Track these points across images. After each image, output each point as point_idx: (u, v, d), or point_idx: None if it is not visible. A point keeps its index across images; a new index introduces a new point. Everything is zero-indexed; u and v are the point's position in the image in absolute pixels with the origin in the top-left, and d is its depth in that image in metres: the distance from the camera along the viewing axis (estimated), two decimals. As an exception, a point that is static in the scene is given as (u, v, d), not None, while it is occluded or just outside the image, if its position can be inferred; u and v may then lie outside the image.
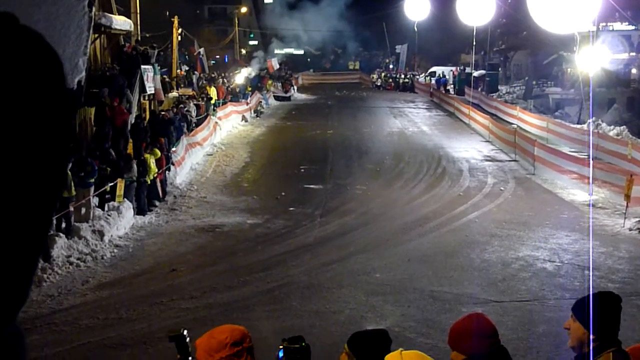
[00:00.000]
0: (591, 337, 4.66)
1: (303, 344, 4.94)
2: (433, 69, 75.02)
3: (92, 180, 20.35)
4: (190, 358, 4.63)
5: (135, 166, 22.35)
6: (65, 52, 24.35)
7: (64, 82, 1.00)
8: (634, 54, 52.63)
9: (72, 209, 19.18)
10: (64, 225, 18.77)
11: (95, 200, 20.66)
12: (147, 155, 23.19)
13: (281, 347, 4.92)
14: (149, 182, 22.90)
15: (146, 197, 22.82)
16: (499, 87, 62.55)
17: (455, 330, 4.88)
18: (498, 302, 14.34)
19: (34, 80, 0.94)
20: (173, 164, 26.48)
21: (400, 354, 4.35)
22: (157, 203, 23.44)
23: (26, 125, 0.92)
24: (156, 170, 23.58)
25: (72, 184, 19.20)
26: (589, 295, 4.74)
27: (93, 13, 25.55)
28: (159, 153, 24.20)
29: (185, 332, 4.61)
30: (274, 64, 66.08)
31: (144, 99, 31.91)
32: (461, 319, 5.01)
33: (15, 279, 0.95)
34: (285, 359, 4.84)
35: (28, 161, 0.93)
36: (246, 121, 46.28)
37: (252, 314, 13.84)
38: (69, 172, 19.62)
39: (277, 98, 60.94)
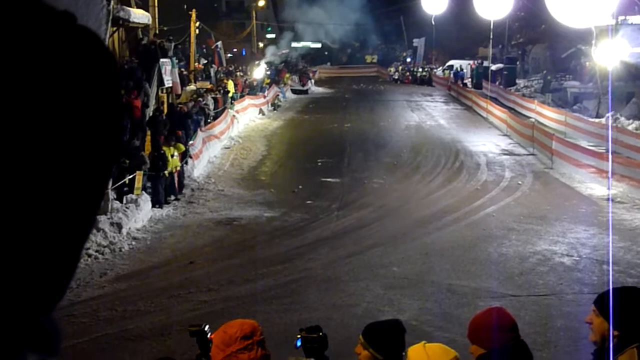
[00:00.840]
0: (614, 332, 4.64)
1: (320, 333, 5.01)
2: (451, 62, 74.81)
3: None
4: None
5: (146, 158, 22.39)
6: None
7: (120, 86, 1.01)
8: (653, 47, 52.26)
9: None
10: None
11: (113, 193, 20.75)
12: (165, 149, 23.28)
13: (299, 336, 4.99)
14: (167, 175, 22.98)
15: (164, 190, 22.90)
16: (517, 81, 62.12)
17: (475, 323, 4.87)
18: (515, 296, 14.30)
19: (92, 82, 0.95)
20: (191, 157, 26.54)
21: (423, 347, 4.35)
22: (172, 196, 23.48)
23: (83, 124, 0.94)
24: (178, 163, 23.71)
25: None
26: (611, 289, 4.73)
27: (111, 6, 25.62)
28: (182, 147, 24.32)
29: (206, 328, 4.63)
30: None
31: (162, 92, 31.99)
32: (481, 312, 5.00)
33: (57, 276, 0.96)
34: (303, 348, 4.90)
35: (78, 166, 0.94)
36: (263, 114, 46.33)
37: (270, 306, 13.88)
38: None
39: (294, 91, 60.99)
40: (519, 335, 4.76)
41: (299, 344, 4.98)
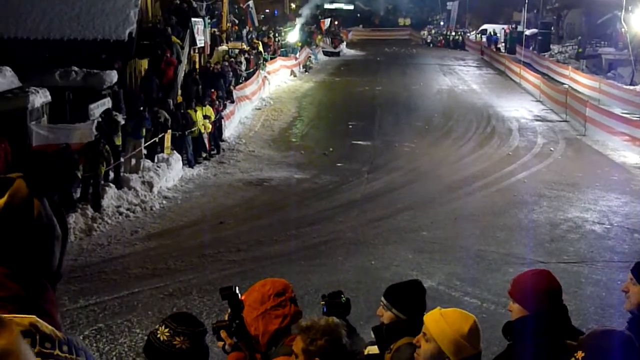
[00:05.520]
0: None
1: (343, 298, 5.05)
2: (484, 26, 73.90)
3: (144, 132, 20.53)
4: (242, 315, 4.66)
5: (168, 117, 22.35)
6: (117, 4, 24.48)
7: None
8: (692, 14, 51.28)
9: (122, 160, 19.39)
10: (112, 176, 18.98)
11: (144, 151, 20.86)
12: (193, 111, 23.27)
13: (323, 303, 5.05)
14: (196, 135, 23.01)
15: (194, 150, 22.97)
16: (551, 47, 61.26)
17: (523, 283, 4.70)
18: (545, 263, 14.21)
19: None
20: (222, 118, 26.56)
21: (440, 314, 4.22)
22: (202, 156, 23.52)
23: None
24: (208, 124, 23.69)
25: (121, 134, 19.49)
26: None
27: (145, -35, 25.59)
28: (210, 110, 24.28)
29: (237, 290, 4.63)
30: (326, 23, 65.83)
31: (194, 52, 31.96)
32: (531, 272, 4.86)
33: None
34: (327, 314, 4.94)
35: None
36: (295, 76, 46.20)
37: (298, 267, 13.93)
38: (120, 123, 19.86)
39: (326, 53, 60.69)
40: (562, 300, 4.67)
41: (325, 310, 5.05)
